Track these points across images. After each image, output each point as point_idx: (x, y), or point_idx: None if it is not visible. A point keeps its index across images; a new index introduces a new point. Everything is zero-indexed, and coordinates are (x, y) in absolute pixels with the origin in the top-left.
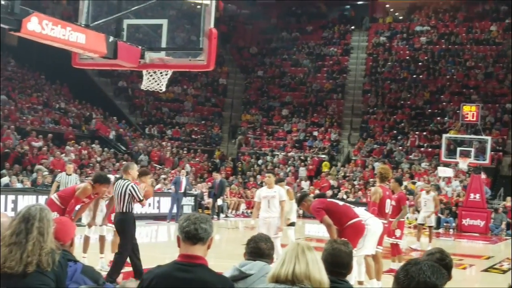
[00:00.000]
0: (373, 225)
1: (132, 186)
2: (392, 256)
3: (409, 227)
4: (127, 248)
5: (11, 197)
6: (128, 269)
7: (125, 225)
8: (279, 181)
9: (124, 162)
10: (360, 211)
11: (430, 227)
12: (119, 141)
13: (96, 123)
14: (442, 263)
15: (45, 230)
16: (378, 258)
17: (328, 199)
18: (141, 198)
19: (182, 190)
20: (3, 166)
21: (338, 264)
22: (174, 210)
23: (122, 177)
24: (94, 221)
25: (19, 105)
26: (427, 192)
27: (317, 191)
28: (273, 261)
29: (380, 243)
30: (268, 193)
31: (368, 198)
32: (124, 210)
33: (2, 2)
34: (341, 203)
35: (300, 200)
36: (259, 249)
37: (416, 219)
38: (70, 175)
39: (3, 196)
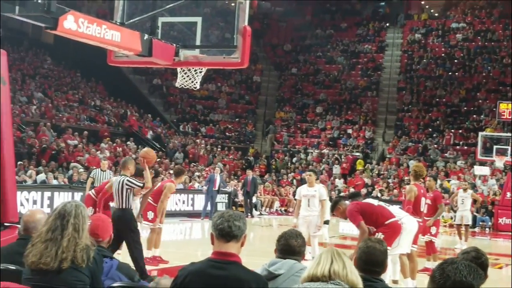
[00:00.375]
0: (408, 224)
1: (128, 180)
2: (427, 255)
3: (444, 226)
4: (136, 242)
5: (47, 194)
6: (162, 265)
7: (123, 220)
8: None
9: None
10: (395, 209)
11: (466, 225)
12: (156, 140)
13: (129, 119)
14: (477, 262)
15: (80, 226)
16: (413, 257)
17: (363, 200)
18: (141, 184)
19: (216, 188)
20: (39, 163)
21: (372, 262)
22: (208, 208)
23: (121, 173)
24: None
25: (55, 102)
26: (464, 190)
27: (351, 189)
28: (305, 258)
29: (415, 241)
30: (309, 191)
31: (403, 196)
32: (123, 206)
33: (39, 1)
34: (376, 203)
35: (334, 206)
36: (289, 246)
37: (451, 218)
38: (105, 171)
39: (39, 193)
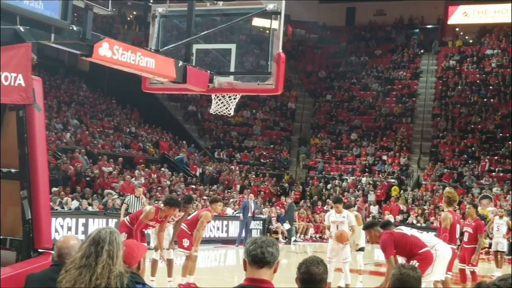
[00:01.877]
0: (442, 250)
1: None
2: (462, 283)
3: (480, 253)
4: None
5: (81, 220)
6: None
7: None
8: (348, 206)
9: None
10: (427, 236)
11: (501, 252)
12: (203, 175)
13: (161, 144)
14: None
15: (114, 253)
16: (447, 284)
17: (396, 230)
18: None
19: (251, 214)
20: (74, 189)
21: None
22: (243, 234)
23: None
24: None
25: (90, 129)
26: (500, 217)
27: (387, 216)
28: (327, 285)
29: (449, 268)
30: (337, 218)
31: (438, 223)
32: None
33: (74, 28)
34: (409, 233)
35: (369, 227)
36: (310, 274)
37: (488, 247)
38: (139, 197)
39: (74, 219)
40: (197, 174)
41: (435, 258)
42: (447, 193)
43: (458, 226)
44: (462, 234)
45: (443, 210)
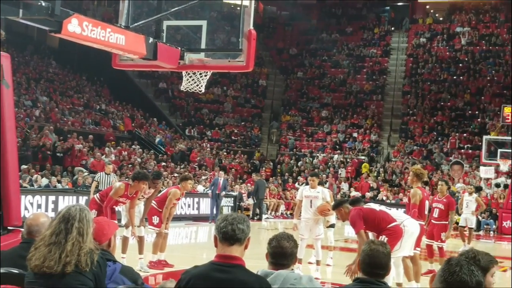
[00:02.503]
0: (410, 227)
1: None
2: (429, 258)
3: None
4: None
5: (51, 198)
6: (168, 269)
7: None
8: (319, 183)
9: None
10: (396, 213)
11: (470, 228)
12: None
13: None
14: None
15: (84, 230)
16: (416, 259)
17: (365, 206)
18: None
19: (220, 191)
20: (44, 167)
21: (376, 265)
22: (214, 211)
23: None
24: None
25: (60, 106)
26: (470, 193)
27: (357, 193)
28: (297, 261)
29: (418, 244)
30: (311, 193)
31: (406, 199)
32: None
33: (43, 4)
34: (377, 208)
35: (338, 206)
36: (281, 248)
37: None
38: (109, 174)
39: (43, 197)
40: (173, 155)
41: (404, 234)
42: (416, 169)
43: (427, 202)
44: (430, 210)
45: (411, 187)
